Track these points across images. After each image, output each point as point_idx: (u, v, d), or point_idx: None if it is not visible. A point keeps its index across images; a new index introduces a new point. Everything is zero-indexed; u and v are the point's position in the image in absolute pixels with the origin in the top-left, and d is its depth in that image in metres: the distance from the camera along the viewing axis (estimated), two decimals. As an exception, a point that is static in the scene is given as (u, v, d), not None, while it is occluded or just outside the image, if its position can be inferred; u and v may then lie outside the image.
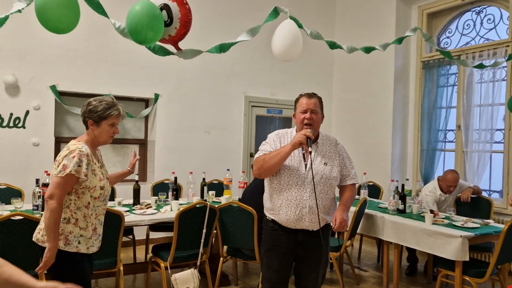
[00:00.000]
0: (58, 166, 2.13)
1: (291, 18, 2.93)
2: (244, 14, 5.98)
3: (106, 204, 2.36)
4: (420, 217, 3.89)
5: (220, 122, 6.09)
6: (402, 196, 4.15)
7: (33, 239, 2.25)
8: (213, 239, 4.03)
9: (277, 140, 2.59)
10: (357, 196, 4.57)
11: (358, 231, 4.26)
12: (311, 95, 2.57)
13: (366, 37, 6.04)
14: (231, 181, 4.49)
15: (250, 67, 6.25)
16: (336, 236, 4.27)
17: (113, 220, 3.14)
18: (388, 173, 5.95)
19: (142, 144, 5.86)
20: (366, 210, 4.22)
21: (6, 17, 1.73)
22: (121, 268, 3.29)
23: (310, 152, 2.36)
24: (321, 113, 2.58)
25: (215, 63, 5.76)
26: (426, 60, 5.89)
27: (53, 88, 4.96)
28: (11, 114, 4.78)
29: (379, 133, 6.20)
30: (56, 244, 2.10)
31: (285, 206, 2.48)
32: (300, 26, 2.94)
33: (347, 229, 3.38)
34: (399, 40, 3.51)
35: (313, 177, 2.43)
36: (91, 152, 2.24)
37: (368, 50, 3.39)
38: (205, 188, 4.37)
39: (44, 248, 2.12)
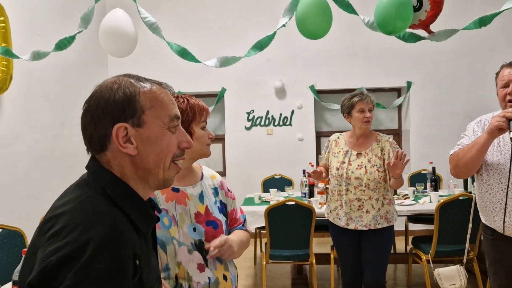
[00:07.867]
0: None
1: None
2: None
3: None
4: None
5: (484, 105, 5.38)
6: None
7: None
8: (481, 236, 3.61)
9: (479, 130, 2.08)
10: None
11: None
12: None
13: None
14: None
15: (522, 36, 5.27)
16: None
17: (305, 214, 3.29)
18: None
19: (396, 134, 5.79)
20: None
21: (274, 33, 2.06)
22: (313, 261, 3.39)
23: None
24: None
25: (475, 39, 5.13)
26: None
27: (311, 88, 5.51)
28: (281, 114, 5.59)
29: None
30: None
31: (495, 209, 2.02)
32: None
33: None
34: None
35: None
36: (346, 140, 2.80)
37: None
38: (469, 179, 3.97)
39: None
